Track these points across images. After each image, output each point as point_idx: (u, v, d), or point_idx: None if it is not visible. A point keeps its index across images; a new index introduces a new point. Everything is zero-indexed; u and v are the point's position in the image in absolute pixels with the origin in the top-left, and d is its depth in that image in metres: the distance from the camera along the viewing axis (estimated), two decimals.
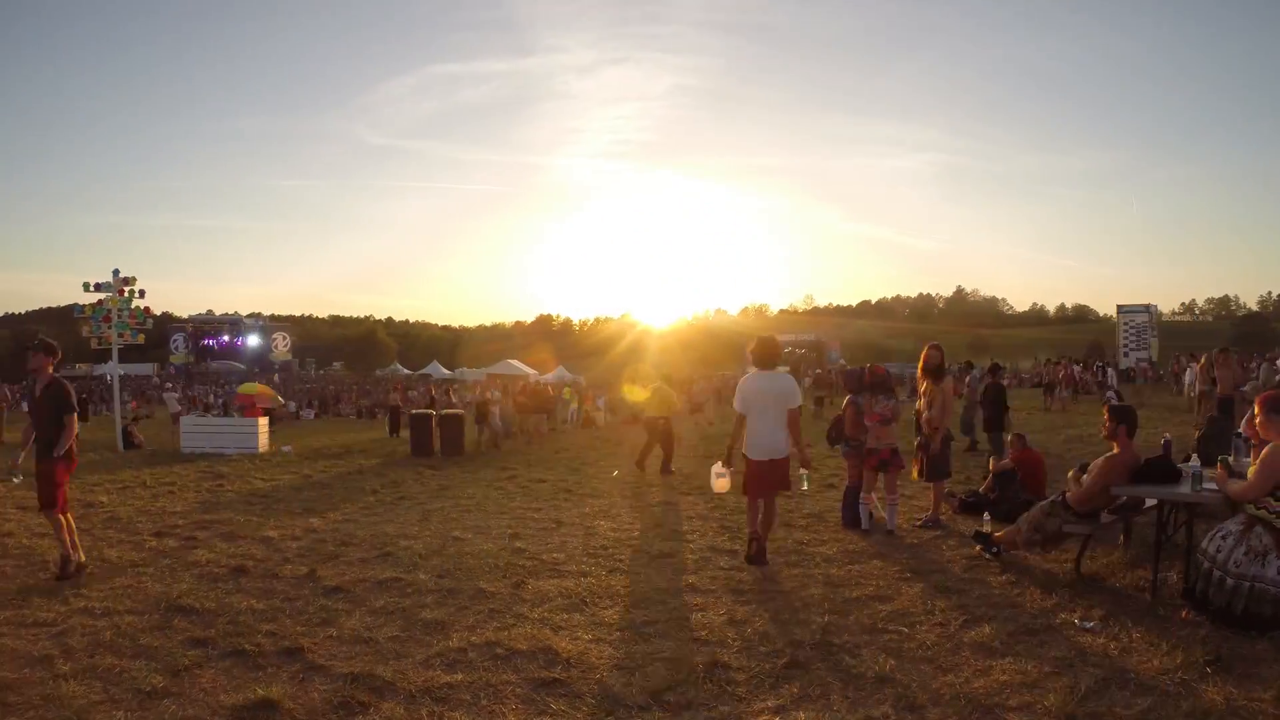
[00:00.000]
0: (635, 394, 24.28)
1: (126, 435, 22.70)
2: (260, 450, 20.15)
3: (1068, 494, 6.90)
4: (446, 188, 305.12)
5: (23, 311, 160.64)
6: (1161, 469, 6.63)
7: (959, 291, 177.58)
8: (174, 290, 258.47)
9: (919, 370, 9.79)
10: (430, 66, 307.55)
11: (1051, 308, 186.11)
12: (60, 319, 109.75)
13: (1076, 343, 78.42)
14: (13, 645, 5.65)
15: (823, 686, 4.65)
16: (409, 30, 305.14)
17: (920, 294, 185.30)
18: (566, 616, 6.18)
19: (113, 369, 26.36)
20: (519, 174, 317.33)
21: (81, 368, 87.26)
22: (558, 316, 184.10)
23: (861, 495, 9.24)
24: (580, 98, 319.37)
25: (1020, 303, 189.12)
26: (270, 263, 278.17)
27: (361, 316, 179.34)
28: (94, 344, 23.44)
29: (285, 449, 21.03)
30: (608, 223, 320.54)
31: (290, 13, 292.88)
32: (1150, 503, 6.84)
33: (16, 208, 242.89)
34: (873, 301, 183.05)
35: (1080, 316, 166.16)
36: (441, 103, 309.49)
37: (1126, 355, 55.96)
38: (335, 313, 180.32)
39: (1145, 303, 61.88)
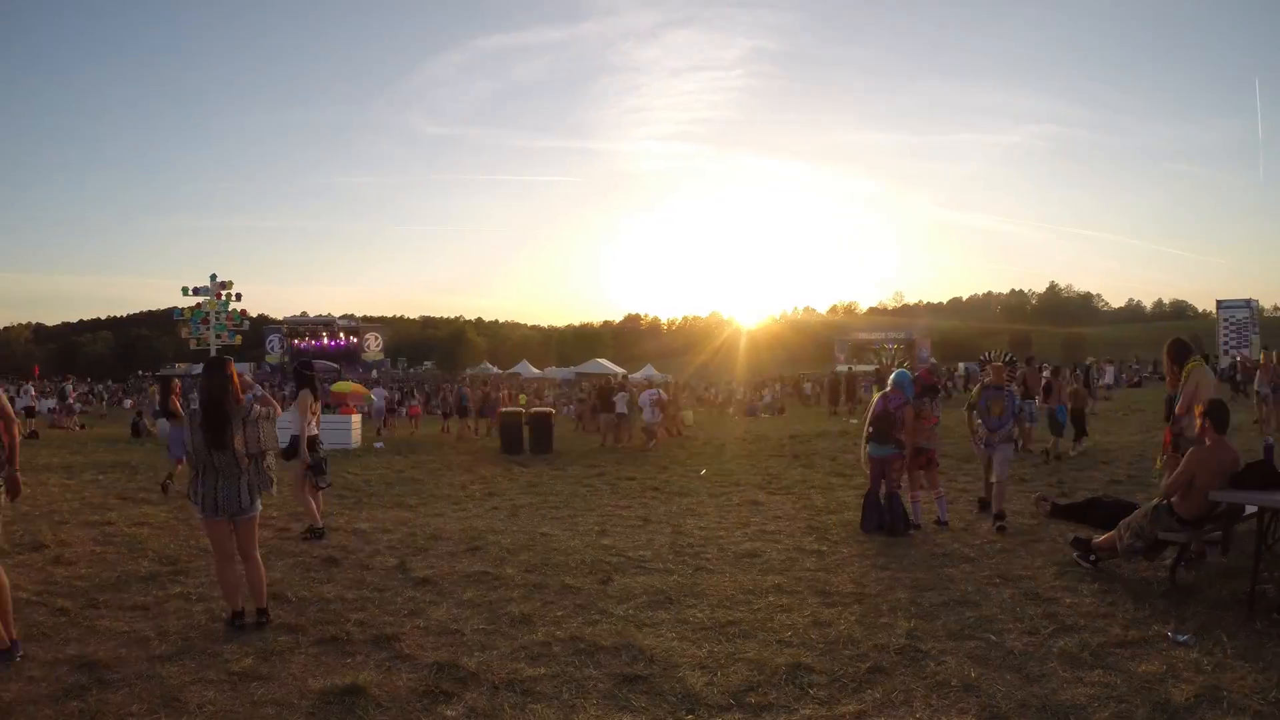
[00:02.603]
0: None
1: None
2: (353, 445, 20.57)
3: (1170, 499, 6.69)
4: (511, 180, 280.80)
5: (125, 315, 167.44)
6: (1262, 474, 6.39)
7: (1052, 287, 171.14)
8: (269, 293, 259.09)
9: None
10: (476, 40, 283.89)
11: (1148, 303, 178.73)
12: (161, 322, 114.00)
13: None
14: (111, 626, 5.93)
15: (905, 693, 4.62)
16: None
17: (1012, 290, 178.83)
18: (651, 614, 6.23)
19: None
20: (586, 162, 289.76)
21: (180, 367, 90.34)
22: (646, 316, 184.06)
23: (909, 494, 9.57)
24: (643, 69, 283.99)
25: (1116, 298, 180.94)
26: (344, 264, 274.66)
27: (451, 317, 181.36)
28: (193, 345, 24.26)
29: (377, 444, 21.46)
30: (686, 214, 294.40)
31: None
32: (1250, 510, 6.60)
33: (116, 214, 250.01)
34: (963, 298, 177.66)
35: (1178, 313, 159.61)
36: (494, 83, 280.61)
37: (1227, 353, 53.68)
38: (426, 313, 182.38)
39: (1247, 297, 59.36)
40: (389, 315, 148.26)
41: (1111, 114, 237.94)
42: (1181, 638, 5.32)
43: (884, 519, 9.17)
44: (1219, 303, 60.28)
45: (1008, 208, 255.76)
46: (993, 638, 5.48)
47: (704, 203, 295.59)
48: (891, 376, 9.88)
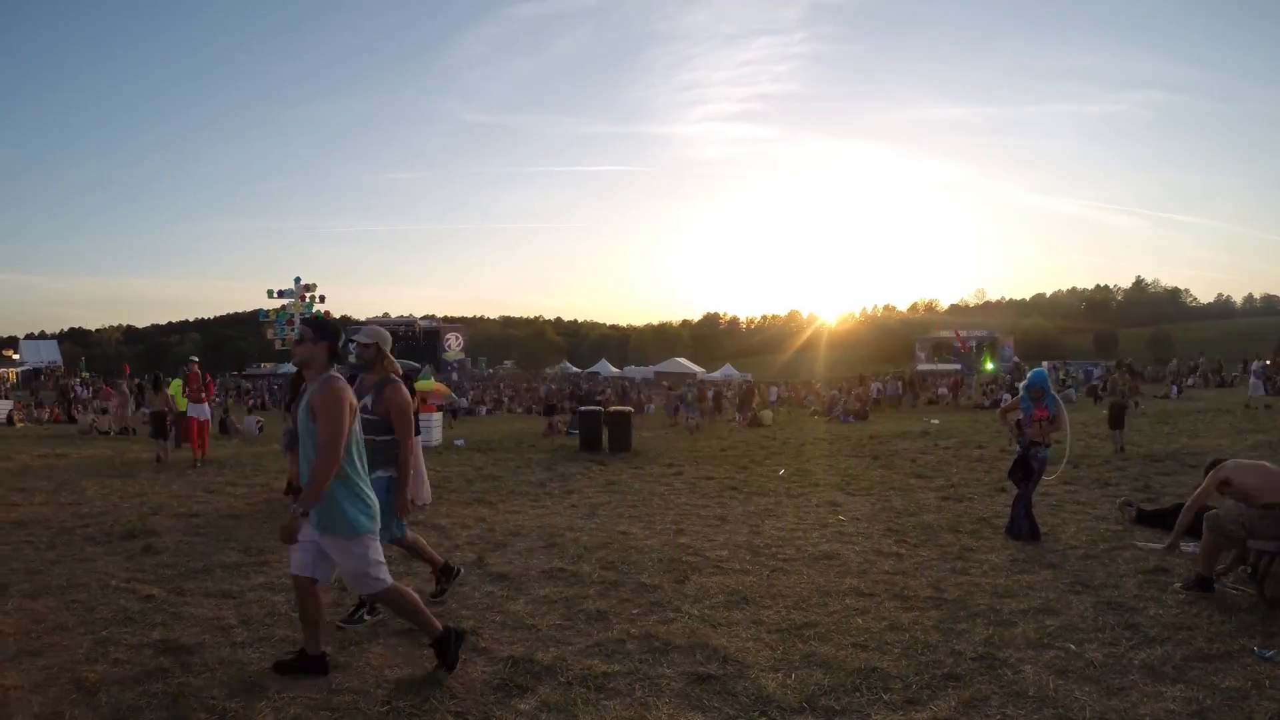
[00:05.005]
0: None
1: None
2: (434, 443, 20.85)
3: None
4: (568, 171, 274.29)
5: (212, 317, 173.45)
6: None
7: (1138, 282, 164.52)
8: (352, 294, 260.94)
9: None
10: (508, 8, 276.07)
11: (1238, 298, 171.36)
12: (247, 323, 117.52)
13: (1264, 340, 72.33)
14: (195, 613, 6.17)
15: (981, 701, 4.57)
16: None
17: (1097, 285, 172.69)
18: (726, 614, 6.25)
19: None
20: (646, 149, 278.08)
21: (266, 367, 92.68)
22: (725, 315, 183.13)
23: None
24: (694, 37, 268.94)
25: (1205, 292, 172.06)
26: (420, 264, 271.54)
27: (531, 317, 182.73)
28: (278, 346, 24.90)
29: (458, 442, 21.75)
30: (756, 205, 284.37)
31: None
32: None
33: (199, 223, 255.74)
34: (1047, 294, 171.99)
35: (1269, 308, 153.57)
36: (531, 60, 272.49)
37: None
38: (506, 313, 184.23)
39: None
40: (469, 315, 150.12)
41: (1228, 76, 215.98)
42: (1267, 653, 5.17)
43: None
44: None
45: (1101, 191, 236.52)
46: (1072, 648, 5.38)
47: (774, 192, 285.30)
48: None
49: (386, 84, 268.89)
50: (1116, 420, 17.54)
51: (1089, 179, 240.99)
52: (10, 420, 30.02)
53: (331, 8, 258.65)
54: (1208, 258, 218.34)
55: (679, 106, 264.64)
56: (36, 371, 67.53)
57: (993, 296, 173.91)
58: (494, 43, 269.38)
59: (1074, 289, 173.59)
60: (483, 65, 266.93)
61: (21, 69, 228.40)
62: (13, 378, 54.71)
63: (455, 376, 71.88)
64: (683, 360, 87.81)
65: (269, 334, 23.97)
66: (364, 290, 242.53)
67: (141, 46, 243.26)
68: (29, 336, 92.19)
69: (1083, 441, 17.44)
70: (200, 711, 4.40)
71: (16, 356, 69.80)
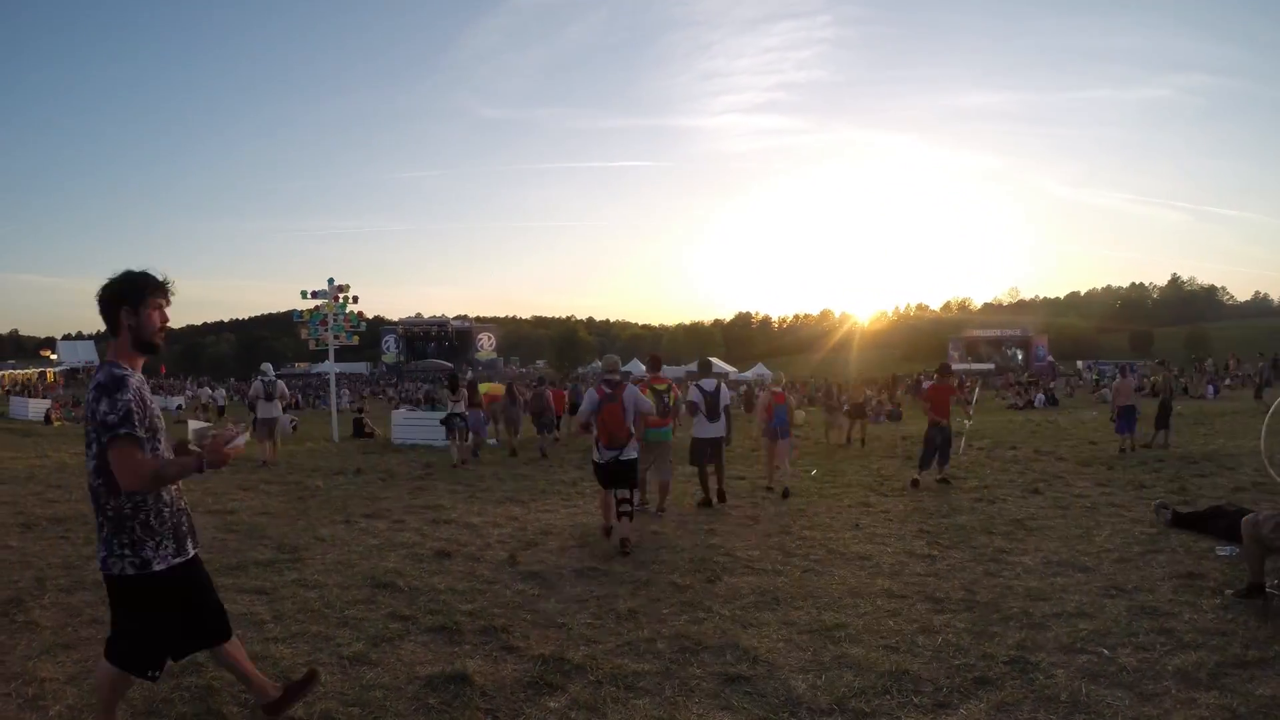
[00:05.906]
0: None
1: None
2: (466, 441, 20.88)
3: None
4: (591, 167, 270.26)
5: (246, 317, 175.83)
6: None
7: (1174, 280, 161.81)
8: (385, 295, 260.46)
9: None
10: None
11: (1276, 295, 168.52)
12: (281, 324, 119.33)
13: None
14: (229, 608, 6.17)
15: (1013, 706, 4.54)
16: None
17: (1132, 283, 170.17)
18: (757, 614, 6.26)
19: (330, 368, 28.56)
20: (668, 143, 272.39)
21: (300, 366, 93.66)
22: (757, 314, 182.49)
23: None
24: (712, 22, 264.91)
25: (1242, 290, 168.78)
26: (450, 264, 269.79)
27: (563, 316, 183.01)
28: (312, 346, 25.14)
29: (491, 441, 21.82)
30: (785, 201, 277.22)
31: None
32: None
33: (229, 223, 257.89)
34: (1081, 293, 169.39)
35: None
36: (545, 49, 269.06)
37: None
38: (538, 313, 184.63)
39: None
40: (502, 315, 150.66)
41: (1275, 57, 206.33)
42: None
43: None
44: None
45: (1139, 183, 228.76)
46: (1105, 652, 5.32)
47: (802, 186, 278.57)
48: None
49: (404, 81, 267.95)
50: (1163, 419, 17.74)
51: (1126, 170, 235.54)
52: (48, 419, 30.46)
53: (346, 7, 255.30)
54: (1247, 253, 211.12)
55: (700, 97, 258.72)
56: (74, 371, 68.59)
57: (1026, 295, 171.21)
58: (505, 33, 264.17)
59: (1109, 287, 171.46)
60: (495, 58, 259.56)
61: (48, 72, 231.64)
62: (51, 377, 55.49)
63: (470, 376, 72.50)
64: (714, 360, 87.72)
65: (303, 334, 24.12)
66: (397, 290, 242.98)
67: (163, 50, 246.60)
68: (66, 337, 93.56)
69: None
70: (231, 705, 4.48)
71: (54, 357, 70.91)
